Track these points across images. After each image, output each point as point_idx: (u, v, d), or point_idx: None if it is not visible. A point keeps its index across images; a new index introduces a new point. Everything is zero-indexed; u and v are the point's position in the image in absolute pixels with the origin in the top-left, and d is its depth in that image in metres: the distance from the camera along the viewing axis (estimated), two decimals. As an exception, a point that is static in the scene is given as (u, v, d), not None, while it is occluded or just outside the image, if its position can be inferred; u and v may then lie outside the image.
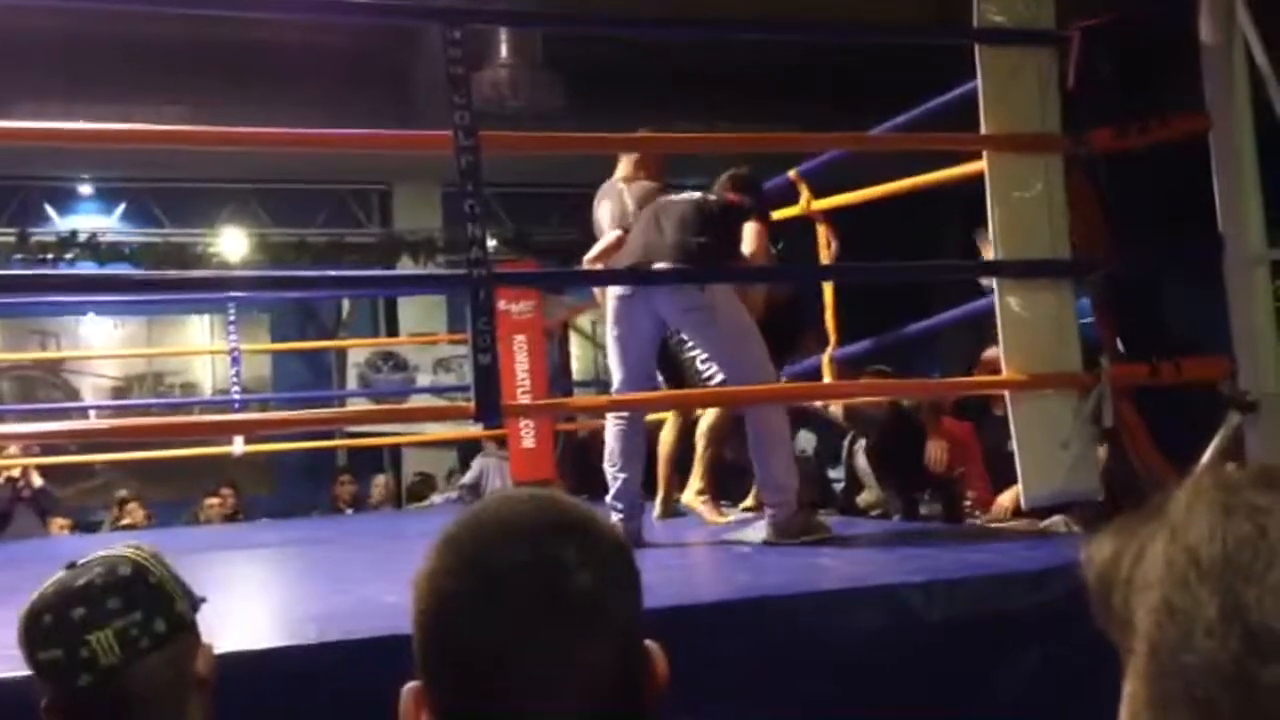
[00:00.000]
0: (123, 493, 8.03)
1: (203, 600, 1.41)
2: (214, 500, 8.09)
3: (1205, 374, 3.07)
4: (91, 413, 8.99)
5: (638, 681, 0.77)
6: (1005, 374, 3.14)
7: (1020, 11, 3.16)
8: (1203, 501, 0.54)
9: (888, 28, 5.81)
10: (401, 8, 3.38)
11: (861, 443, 6.40)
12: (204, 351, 9.94)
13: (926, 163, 3.97)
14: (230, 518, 8.01)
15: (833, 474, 6.66)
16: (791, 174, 4.59)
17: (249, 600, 3.11)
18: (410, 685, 0.78)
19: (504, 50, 7.81)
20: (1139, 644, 0.53)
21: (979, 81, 3.18)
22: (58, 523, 7.44)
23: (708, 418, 4.49)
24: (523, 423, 6.19)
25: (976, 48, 3.19)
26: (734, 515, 4.40)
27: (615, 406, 3.77)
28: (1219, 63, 2.95)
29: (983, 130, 3.16)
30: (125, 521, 7.71)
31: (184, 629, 1.34)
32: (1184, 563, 0.52)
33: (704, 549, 3.76)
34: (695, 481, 4.43)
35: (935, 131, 3.57)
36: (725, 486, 4.80)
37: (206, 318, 10.08)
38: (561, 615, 0.74)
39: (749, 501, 4.59)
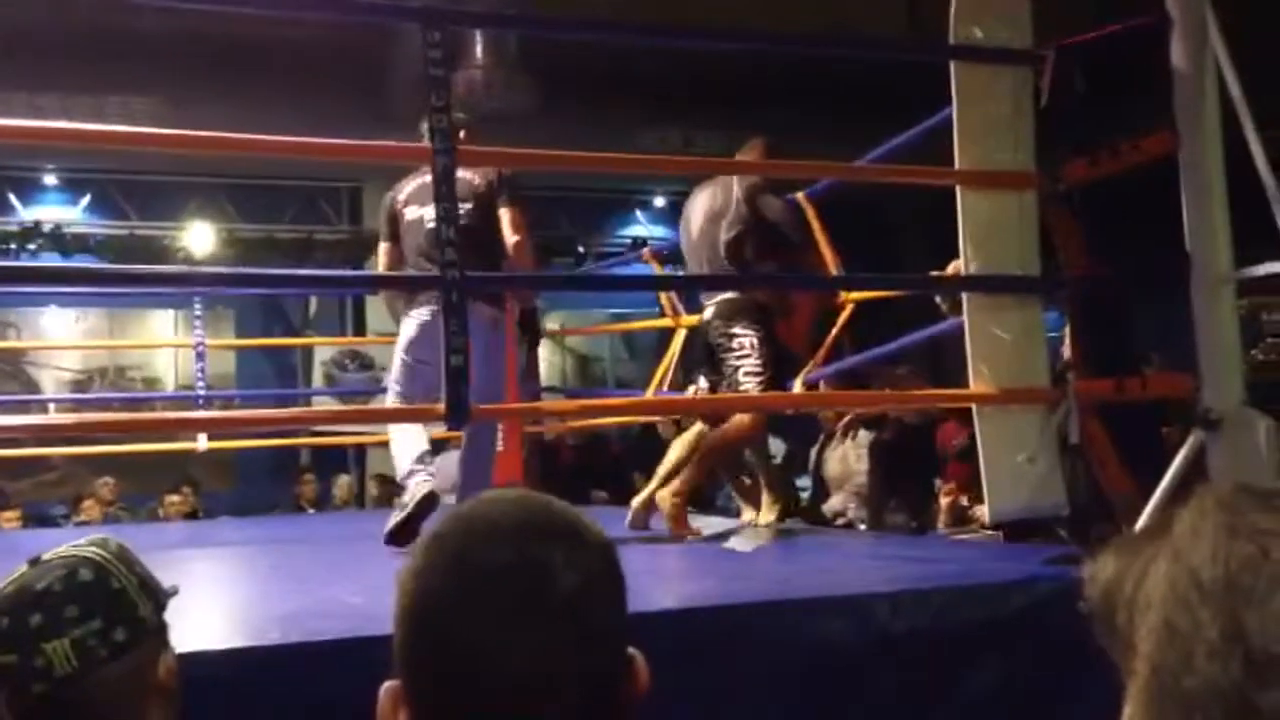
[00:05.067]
0: (104, 481, 7.95)
1: (174, 592, 1.38)
2: (175, 497, 7.99)
3: (1170, 391, 3.10)
4: (51, 405, 8.87)
5: (619, 687, 0.77)
6: (973, 388, 3.16)
7: (998, 30, 3.18)
8: (1207, 522, 0.53)
9: (863, 42, 5.84)
10: (382, 7, 3.36)
11: (837, 451, 6.44)
12: (169, 345, 9.84)
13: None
14: (190, 515, 7.92)
15: (800, 482, 6.68)
16: (799, 195, 4.57)
17: (210, 600, 3.07)
18: (389, 684, 0.77)
19: (479, 51, 7.79)
20: (1140, 665, 0.53)
21: (953, 99, 3.20)
22: (5, 515, 7.32)
23: (724, 426, 4.25)
24: (490, 425, 6.16)
25: (952, 65, 3.21)
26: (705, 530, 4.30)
27: (588, 412, 3.77)
28: (1190, 83, 2.98)
29: (956, 150, 3.18)
30: (81, 519, 7.61)
31: (145, 636, 1.31)
32: (1186, 584, 0.52)
33: (673, 556, 3.75)
34: (676, 484, 4.25)
35: (926, 146, 3.57)
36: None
37: (170, 312, 9.97)
38: (545, 617, 0.74)
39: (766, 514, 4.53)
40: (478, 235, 3.76)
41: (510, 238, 3.87)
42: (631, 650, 0.79)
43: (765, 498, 4.57)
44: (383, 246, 4.25)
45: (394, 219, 4.18)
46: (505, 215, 3.89)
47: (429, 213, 3.97)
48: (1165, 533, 0.55)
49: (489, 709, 0.73)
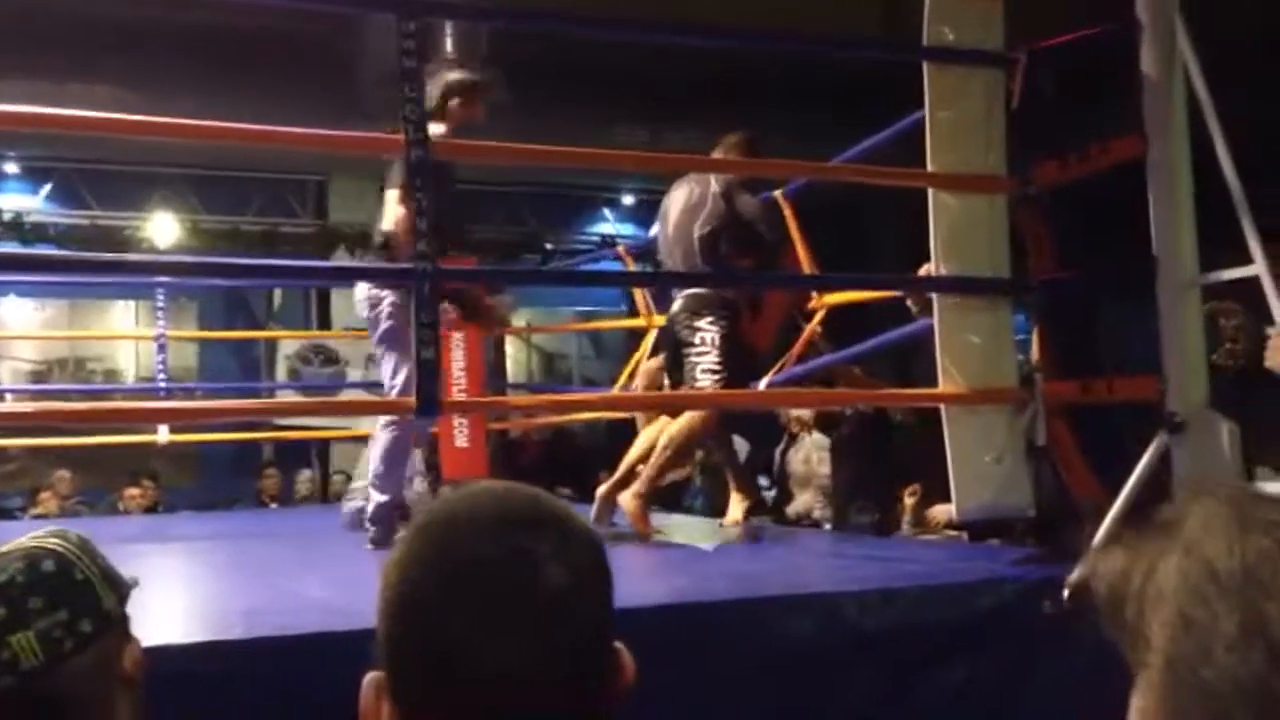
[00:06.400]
0: (62, 475, 7.84)
1: (134, 584, 1.36)
2: (135, 490, 7.90)
3: (1136, 393, 3.13)
4: (8, 396, 8.74)
5: (604, 681, 0.76)
6: (941, 388, 3.18)
7: (971, 31, 3.19)
8: (1217, 517, 0.54)
9: (836, 40, 5.84)
10: (357, -3, 3.33)
11: (800, 452, 6.45)
12: (131, 337, 9.72)
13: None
14: (151, 509, 7.83)
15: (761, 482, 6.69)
16: (777, 194, 4.56)
17: (173, 594, 3.03)
18: (372, 675, 0.76)
19: (449, 45, 7.74)
20: (1153, 657, 0.54)
21: (925, 100, 3.21)
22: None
23: (677, 423, 4.21)
24: (456, 421, 6.13)
25: (924, 67, 3.22)
26: (664, 530, 4.28)
27: (556, 405, 3.76)
28: (1158, 88, 3.00)
29: (928, 152, 3.19)
30: (38, 511, 7.50)
31: (110, 627, 1.29)
32: (1201, 577, 0.52)
33: (641, 554, 3.75)
34: (638, 483, 4.18)
35: (903, 149, 3.58)
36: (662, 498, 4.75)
37: (131, 303, 9.84)
38: (531, 610, 0.73)
39: (735, 514, 4.51)
40: None
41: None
42: (617, 644, 0.78)
43: (733, 496, 4.58)
44: None
45: None
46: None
47: None
48: (1170, 528, 0.56)
49: (473, 702, 0.72)
